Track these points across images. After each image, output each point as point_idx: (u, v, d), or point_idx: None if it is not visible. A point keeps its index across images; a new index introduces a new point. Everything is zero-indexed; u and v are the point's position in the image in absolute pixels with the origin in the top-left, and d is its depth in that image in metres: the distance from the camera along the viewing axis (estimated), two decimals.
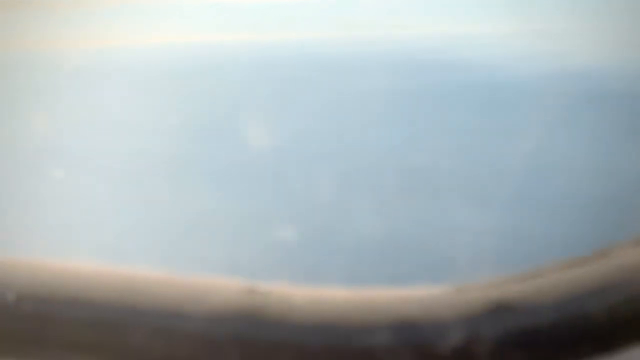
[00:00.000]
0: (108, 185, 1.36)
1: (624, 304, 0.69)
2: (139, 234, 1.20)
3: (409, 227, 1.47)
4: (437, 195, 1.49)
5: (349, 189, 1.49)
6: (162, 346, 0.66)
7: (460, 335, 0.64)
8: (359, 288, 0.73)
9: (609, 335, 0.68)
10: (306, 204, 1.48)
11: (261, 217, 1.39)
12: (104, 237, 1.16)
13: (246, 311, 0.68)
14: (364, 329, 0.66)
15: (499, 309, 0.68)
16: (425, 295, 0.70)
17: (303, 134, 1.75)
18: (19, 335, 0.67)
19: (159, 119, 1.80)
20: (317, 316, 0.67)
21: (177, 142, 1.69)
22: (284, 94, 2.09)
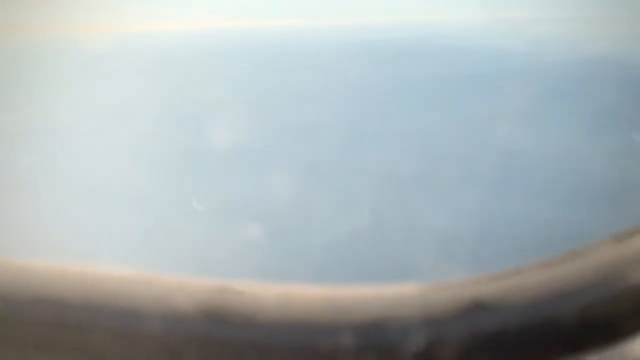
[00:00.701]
0: (86, 175, 1.35)
1: (597, 305, 0.67)
2: (106, 227, 1.18)
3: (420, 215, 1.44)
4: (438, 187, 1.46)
5: (354, 183, 1.47)
6: (123, 347, 0.65)
7: (425, 337, 0.63)
8: (330, 285, 0.72)
9: (580, 337, 0.66)
10: (314, 191, 1.46)
11: (259, 205, 1.38)
12: (68, 230, 1.15)
13: (212, 311, 0.67)
14: (329, 330, 0.65)
15: (468, 310, 0.67)
16: (396, 294, 0.69)
17: (310, 124, 1.73)
18: None
19: (158, 107, 1.79)
20: (283, 316, 0.66)
21: (177, 131, 1.68)
22: (295, 82, 2.07)
